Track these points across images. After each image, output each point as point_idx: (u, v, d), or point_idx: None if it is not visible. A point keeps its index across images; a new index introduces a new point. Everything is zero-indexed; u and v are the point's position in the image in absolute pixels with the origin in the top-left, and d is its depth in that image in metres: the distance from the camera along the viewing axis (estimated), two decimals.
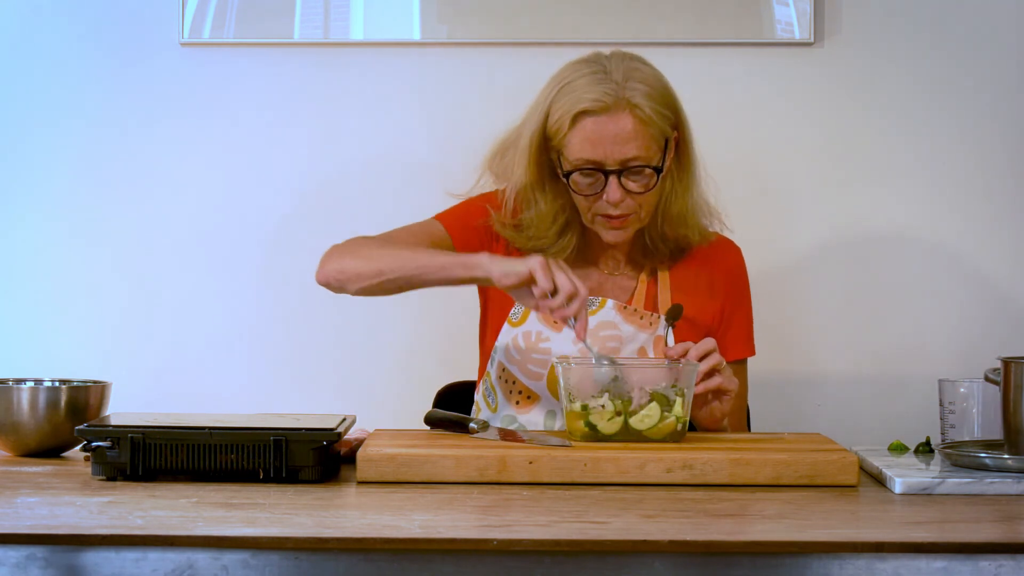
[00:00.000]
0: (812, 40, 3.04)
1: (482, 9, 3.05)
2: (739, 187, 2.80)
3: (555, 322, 2.34)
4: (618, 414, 2.13)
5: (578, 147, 2.31)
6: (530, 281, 2.19)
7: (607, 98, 2.29)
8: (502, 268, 2.21)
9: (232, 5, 3.05)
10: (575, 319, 2.19)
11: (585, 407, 2.14)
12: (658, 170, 2.33)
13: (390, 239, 2.38)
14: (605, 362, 2.19)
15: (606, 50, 2.38)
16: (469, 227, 2.45)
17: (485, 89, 3.07)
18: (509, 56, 3.06)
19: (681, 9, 3.03)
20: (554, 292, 2.17)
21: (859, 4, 3.05)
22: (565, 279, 2.17)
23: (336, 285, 2.34)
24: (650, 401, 2.13)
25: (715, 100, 2.97)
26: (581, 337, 2.20)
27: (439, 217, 2.46)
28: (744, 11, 3.03)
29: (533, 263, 2.18)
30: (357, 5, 3.06)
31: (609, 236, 2.39)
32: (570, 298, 2.17)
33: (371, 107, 3.09)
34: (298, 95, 3.10)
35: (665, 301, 2.44)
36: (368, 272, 2.30)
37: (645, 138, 2.30)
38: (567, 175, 2.34)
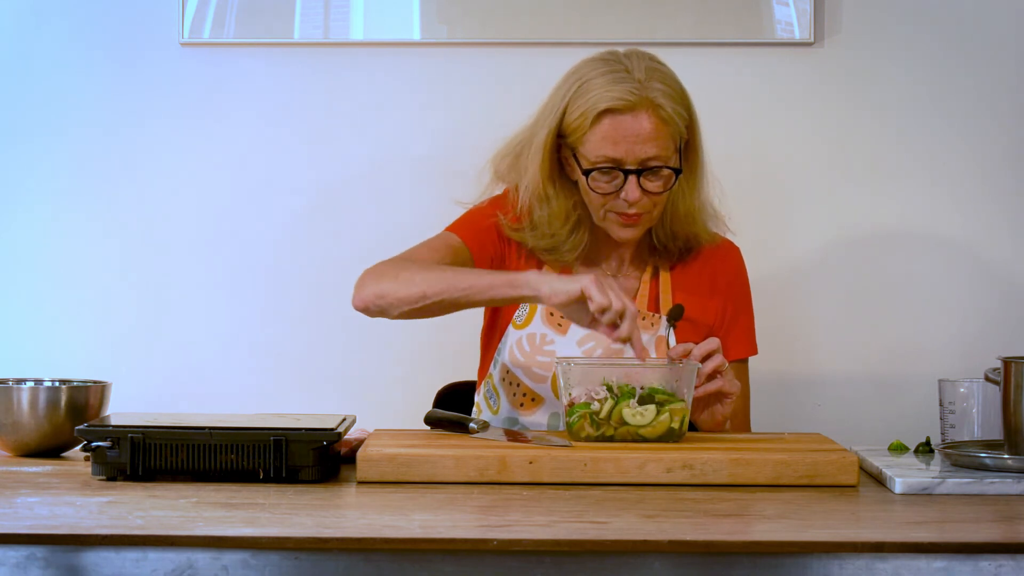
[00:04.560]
0: (812, 40, 3.04)
1: (482, 9, 3.05)
2: (738, 187, 2.80)
3: (614, 340, 2.23)
4: (597, 425, 2.13)
5: (598, 145, 2.31)
6: (581, 299, 2.15)
7: (631, 96, 2.28)
8: (551, 287, 2.17)
9: (232, 5, 3.05)
10: (632, 341, 2.16)
11: (579, 417, 2.14)
12: (677, 171, 2.33)
13: (415, 259, 2.34)
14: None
15: (621, 48, 2.38)
16: (482, 232, 2.43)
17: (485, 89, 3.07)
18: (509, 56, 3.06)
19: (681, 9, 3.03)
20: (606, 309, 2.14)
21: (859, 4, 3.05)
22: (616, 297, 2.13)
23: (376, 310, 2.29)
24: (646, 400, 2.14)
25: (715, 100, 2.96)
26: (640, 357, 2.15)
27: (451, 228, 2.44)
28: (744, 11, 3.03)
29: (585, 281, 2.14)
30: (357, 5, 3.06)
31: (622, 233, 2.38)
32: (620, 315, 2.14)
33: (371, 107, 3.09)
34: (298, 95, 3.10)
35: (667, 302, 2.44)
36: (411, 296, 2.25)
37: (664, 138, 2.30)
38: (586, 173, 2.33)
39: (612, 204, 2.35)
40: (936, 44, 3.05)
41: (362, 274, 2.32)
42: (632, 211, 2.34)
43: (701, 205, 2.43)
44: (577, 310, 2.19)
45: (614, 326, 2.15)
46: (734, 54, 3.06)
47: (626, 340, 2.15)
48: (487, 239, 2.44)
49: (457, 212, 2.50)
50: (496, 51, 3.08)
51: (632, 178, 2.31)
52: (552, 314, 2.41)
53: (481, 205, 2.48)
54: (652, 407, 2.13)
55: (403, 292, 2.26)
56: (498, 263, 2.44)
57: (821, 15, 3.04)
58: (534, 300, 2.22)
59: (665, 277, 2.47)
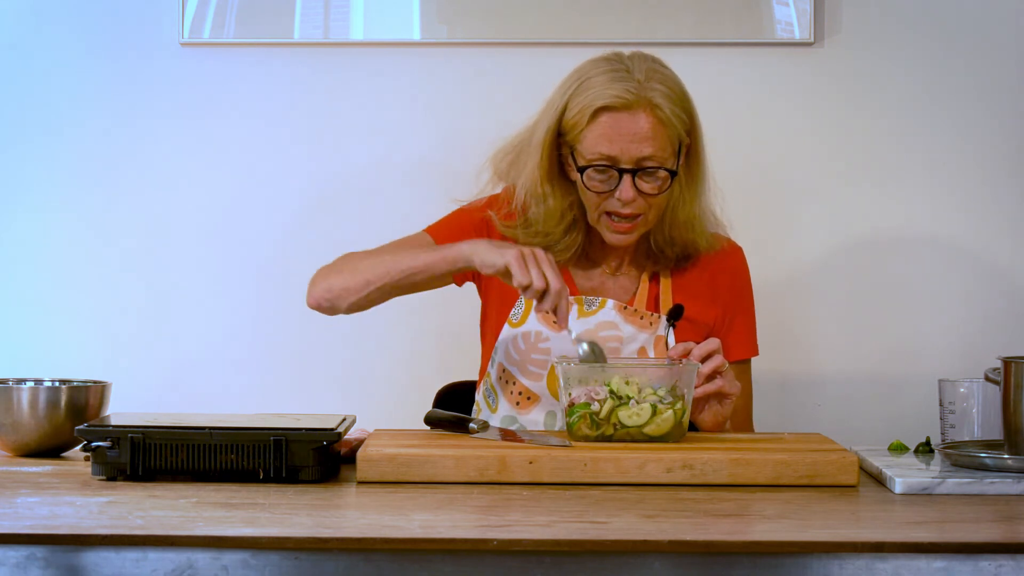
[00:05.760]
0: (812, 40, 3.04)
1: (482, 9, 3.05)
2: (738, 187, 2.80)
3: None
4: (597, 425, 2.13)
5: (594, 143, 2.31)
6: (507, 274, 2.20)
7: (628, 95, 2.29)
8: (482, 258, 2.23)
9: (232, 5, 3.05)
10: (557, 314, 2.20)
11: (580, 415, 2.14)
12: (672, 173, 2.33)
13: (376, 251, 2.40)
14: (584, 346, 2.21)
15: (626, 50, 2.38)
16: (457, 231, 2.44)
17: (485, 89, 3.07)
18: (509, 56, 3.07)
19: (681, 9, 3.03)
20: (527, 287, 2.18)
21: (859, 4, 3.05)
22: (538, 274, 2.18)
23: (327, 306, 2.35)
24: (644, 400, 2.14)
25: (715, 100, 2.96)
26: (562, 326, 2.21)
27: (428, 229, 2.47)
28: (744, 11, 3.03)
29: (509, 256, 2.20)
30: (357, 5, 3.06)
31: (613, 239, 2.39)
32: (541, 293, 2.18)
33: (371, 107, 3.09)
34: (298, 95, 3.10)
35: (667, 302, 2.44)
36: (355, 285, 2.32)
37: (662, 139, 2.30)
38: (581, 170, 2.34)
39: (607, 204, 2.35)
40: (936, 44, 3.05)
41: (314, 274, 2.37)
42: (626, 211, 2.34)
43: (701, 212, 2.43)
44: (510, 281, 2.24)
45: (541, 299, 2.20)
46: (734, 54, 3.06)
47: (552, 312, 2.20)
48: (462, 237, 2.44)
49: (450, 208, 2.50)
50: (496, 51, 3.08)
51: (627, 177, 2.31)
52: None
53: (471, 205, 2.49)
54: (647, 406, 2.13)
55: (348, 282, 2.32)
56: None
57: (821, 15, 3.04)
58: (470, 269, 2.27)
59: (666, 282, 2.46)
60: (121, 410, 2.27)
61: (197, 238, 3.11)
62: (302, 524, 1.72)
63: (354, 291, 2.32)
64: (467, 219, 2.46)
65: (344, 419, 2.12)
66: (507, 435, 2.17)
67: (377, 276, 2.31)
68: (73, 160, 3.11)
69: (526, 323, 2.42)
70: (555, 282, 2.19)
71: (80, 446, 2.05)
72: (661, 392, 2.14)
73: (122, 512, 1.77)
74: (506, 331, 2.44)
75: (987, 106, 3.05)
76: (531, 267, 2.19)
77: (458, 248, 2.27)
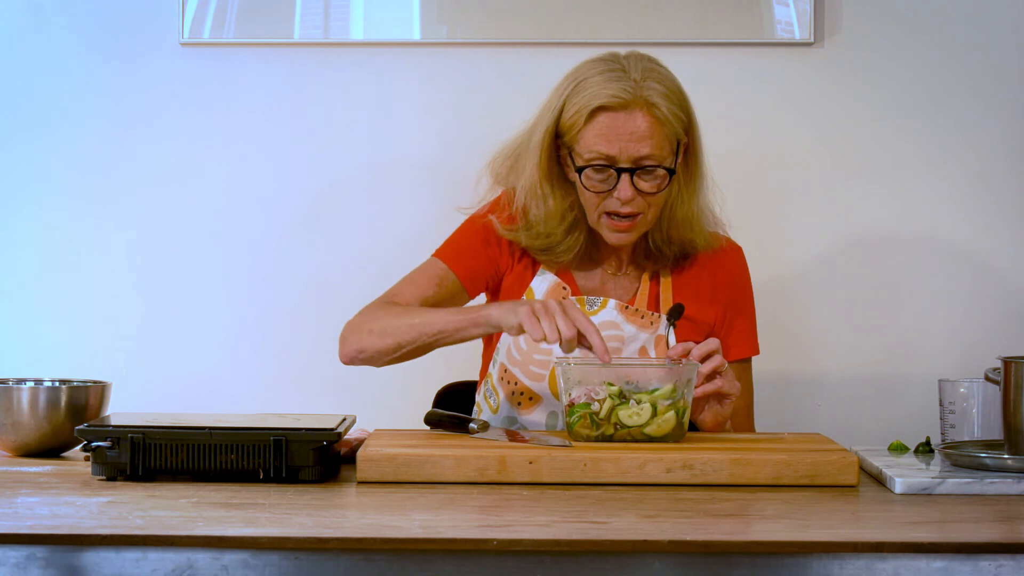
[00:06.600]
0: (812, 40, 3.04)
1: (482, 9, 3.05)
2: (739, 187, 2.80)
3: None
4: (597, 425, 2.13)
5: (592, 142, 2.31)
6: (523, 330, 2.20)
7: (625, 95, 2.29)
8: (504, 321, 2.23)
9: (232, 5, 3.05)
10: (590, 347, 2.18)
11: (579, 417, 2.14)
12: (671, 171, 2.33)
13: (399, 299, 2.39)
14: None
15: (622, 50, 2.38)
16: (467, 251, 2.45)
17: (485, 89, 3.07)
18: (509, 56, 3.07)
19: (681, 9, 3.03)
20: (545, 339, 2.16)
21: (859, 4, 3.05)
22: (551, 326, 2.16)
23: (360, 363, 2.38)
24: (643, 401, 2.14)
25: (715, 100, 2.97)
26: (604, 359, 2.17)
27: (438, 254, 2.46)
28: (744, 11, 3.03)
29: (522, 314, 2.18)
30: (357, 5, 3.06)
31: (613, 238, 2.39)
32: (564, 342, 2.16)
33: (371, 107, 3.09)
34: (298, 95, 3.10)
35: (667, 302, 2.44)
36: (388, 348, 2.33)
37: (659, 138, 2.31)
38: (580, 170, 2.34)
39: (606, 204, 2.35)
40: (936, 44, 3.05)
41: (343, 328, 2.39)
42: (625, 210, 2.34)
43: (699, 211, 2.43)
44: None
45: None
46: (734, 54, 3.06)
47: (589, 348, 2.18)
48: (472, 256, 2.44)
49: (456, 217, 2.50)
50: (496, 51, 3.08)
51: (625, 176, 2.31)
52: None
53: (475, 214, 2.48)
54: (648, 406, 2.13)
55: (379, 345, 2.34)
56: (491, 273, 2.45)
57: (821, 15, 3.04)
58: (497, 331, 2.28)
59: (666, 282, 2.46)
60: (121, 410, 2.28)
61: (197, 238, 3.11)
62: (302, 524, 1.72)
63: (386, 353, 2.34)
64: (472, 230, 2.46)
65: (344, 419, 2.12)
66: (511, 435, 2.17)
67: (409, 340, 2.32)
68: (73, 160, 3.11)
69: None
70: (567, 331, 2.15)
71: (80, 446, 2.05)
72: (664, 391, 2.14)
73: (122, 512, 1.77)
74: None
75: (987, 106, 3.05)
76: (543, 320, 2.17)
77: (486, 314, 2.27)
